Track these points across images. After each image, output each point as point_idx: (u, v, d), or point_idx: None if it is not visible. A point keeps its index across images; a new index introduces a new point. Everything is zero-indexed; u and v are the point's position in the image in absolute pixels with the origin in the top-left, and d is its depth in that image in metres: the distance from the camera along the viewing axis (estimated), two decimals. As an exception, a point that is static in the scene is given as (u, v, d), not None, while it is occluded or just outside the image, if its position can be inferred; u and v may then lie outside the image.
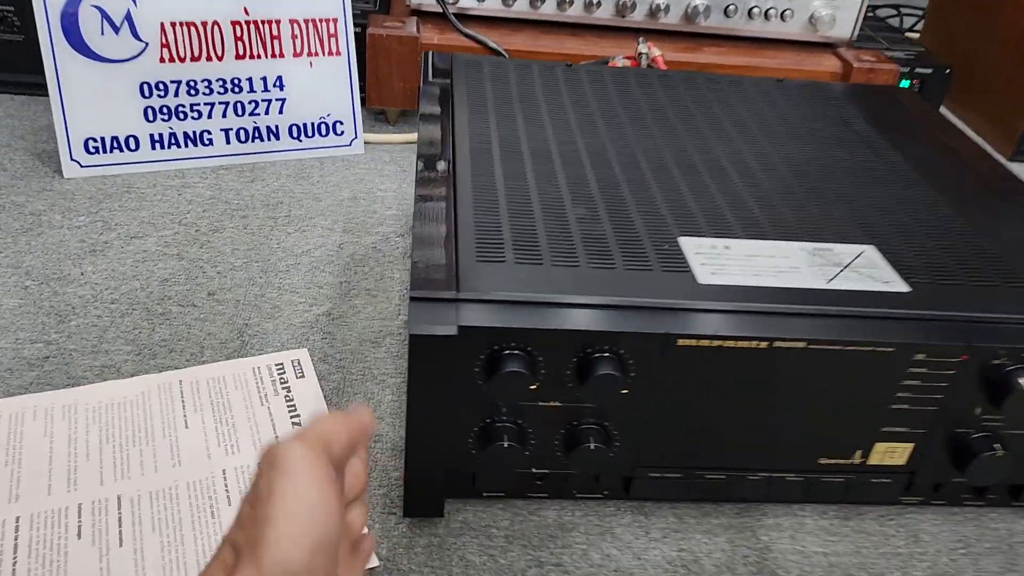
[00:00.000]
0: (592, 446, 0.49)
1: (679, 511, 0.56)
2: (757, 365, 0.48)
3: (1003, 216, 0.62)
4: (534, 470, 0.52)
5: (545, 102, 0.72)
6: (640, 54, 0.87)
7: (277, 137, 0.92)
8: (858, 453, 0.53)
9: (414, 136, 0.99)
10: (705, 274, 0.51)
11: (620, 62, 0.87)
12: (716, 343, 0.47)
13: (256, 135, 0.92)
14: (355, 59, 0.93)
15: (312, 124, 0.93)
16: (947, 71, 1.10)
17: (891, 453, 0.53)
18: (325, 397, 0.62)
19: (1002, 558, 0.55)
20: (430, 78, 0.74)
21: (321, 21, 0.91)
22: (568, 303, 0.48)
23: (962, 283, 0.53)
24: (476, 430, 0.50)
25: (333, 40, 0.92)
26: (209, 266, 0.75)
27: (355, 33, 0.93)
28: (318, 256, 0.78)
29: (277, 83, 0.91)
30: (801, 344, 0.48)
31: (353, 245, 0.80)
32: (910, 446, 0.53)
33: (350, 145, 0.96)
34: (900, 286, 0.52)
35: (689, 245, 0.54)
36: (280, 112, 0.92)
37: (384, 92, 0.99)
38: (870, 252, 0.56)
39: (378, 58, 0.97)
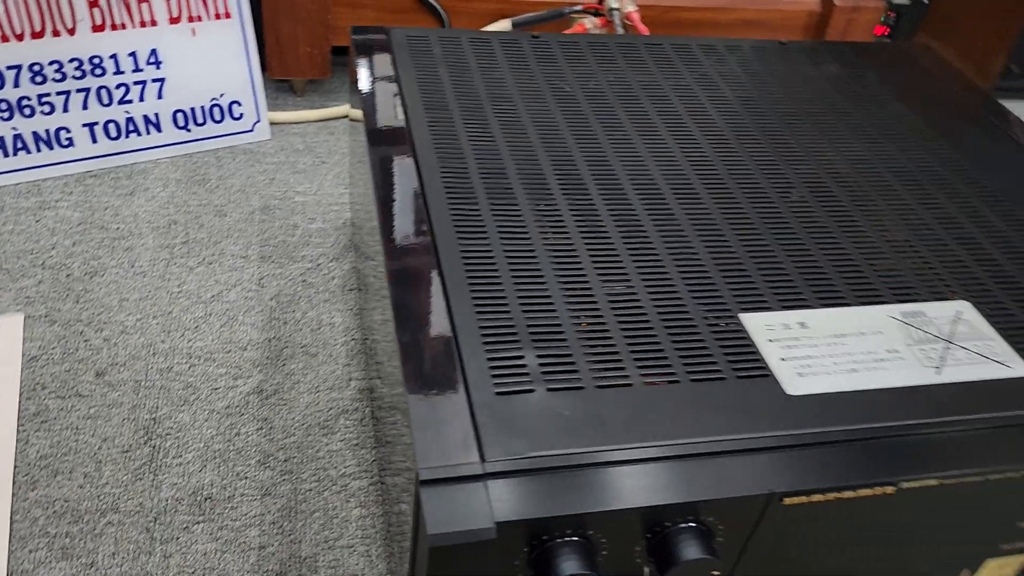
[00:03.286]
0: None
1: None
2: (873, 512, 0.37)
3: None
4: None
5: (522, 98, 0.56)
6: (611, 10, 0.71)
7: (158, 129, 0.73)
8: (965, 572, 0.43)
9: (329, 111, 0.81)
10: (790, 376, 0.39)
11: (588, 23, 0.71)
12: (832, 496, 0.35)
13: (130, 129, 0.72)
14: (250, 20, 0.74)
15: (202, 108, 0.74)
16: (926, 1, 0.98)
17: (1003, 568, 0.43)
18: (272, 522, 0.48)
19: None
20: (358, 67, 0.56)
21: (202, -25, 0.71)
22: (633, 458, 0.34)
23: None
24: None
25: (219, -2, 0.72)
26: (92, 330, 0.57)
27: (247, -13, 0.73)
28: (233, 301, 0.61)
29: (151, 59, 0.71)
30: (933, 482, 0.36)
31: (276, 279, 0.63)
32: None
33: (252, 130, 0.77)
34: (1021, 366, 0.41)
35: (756, 326, 0.41)
36: (159, 96, 0.72)
37: (288, 59, 0.79)
38: (968, 312, 0.44)
39: (278, 17, 0.77)
